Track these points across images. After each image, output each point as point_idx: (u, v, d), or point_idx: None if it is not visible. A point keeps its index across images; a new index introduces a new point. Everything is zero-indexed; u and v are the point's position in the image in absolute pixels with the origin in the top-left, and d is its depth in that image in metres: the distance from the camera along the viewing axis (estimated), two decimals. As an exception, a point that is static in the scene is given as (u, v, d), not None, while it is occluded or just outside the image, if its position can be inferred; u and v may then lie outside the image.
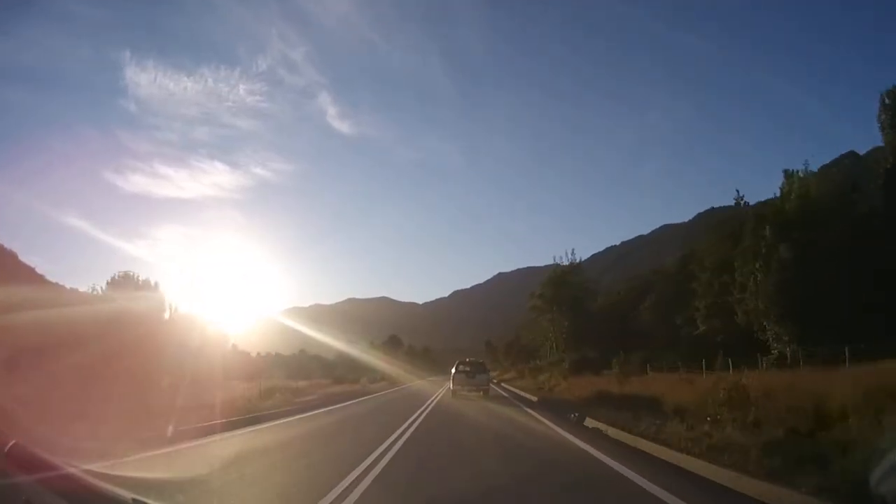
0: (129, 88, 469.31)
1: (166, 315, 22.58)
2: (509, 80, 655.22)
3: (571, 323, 50.97)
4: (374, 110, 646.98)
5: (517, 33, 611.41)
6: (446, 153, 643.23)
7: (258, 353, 57.32)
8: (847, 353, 18.79)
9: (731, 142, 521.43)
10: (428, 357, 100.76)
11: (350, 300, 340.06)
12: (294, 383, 29.48)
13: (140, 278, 24.45)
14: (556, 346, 53.85)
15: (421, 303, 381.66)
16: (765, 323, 27.92)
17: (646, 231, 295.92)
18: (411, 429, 12.21)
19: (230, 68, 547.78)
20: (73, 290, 22.28)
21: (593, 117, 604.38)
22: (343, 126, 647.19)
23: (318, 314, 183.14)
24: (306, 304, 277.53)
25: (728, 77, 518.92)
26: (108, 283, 23.92)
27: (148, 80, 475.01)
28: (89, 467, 3.69)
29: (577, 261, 54.91)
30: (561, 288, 52.43)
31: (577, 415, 13.67)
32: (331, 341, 52.08)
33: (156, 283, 24.68)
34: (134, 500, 2.59)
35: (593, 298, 55.25)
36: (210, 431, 11.32)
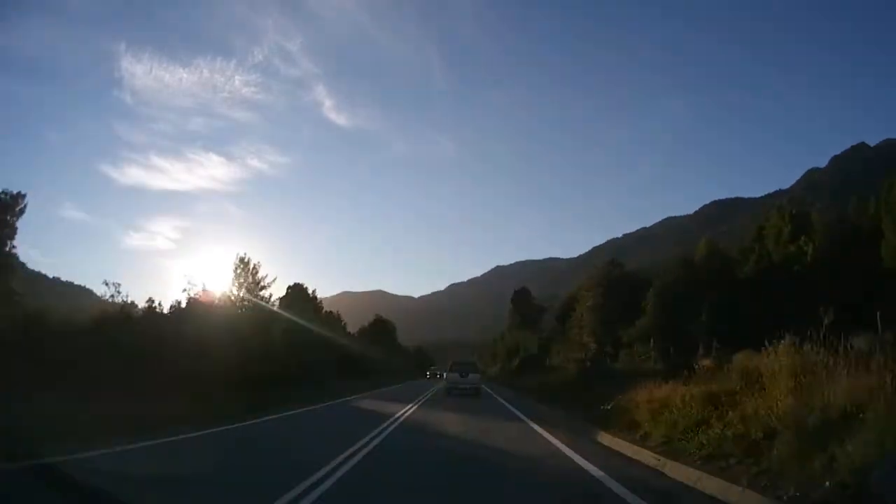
0: (125, 80, 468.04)
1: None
2: (508, 72, 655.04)
3: None
4: (370, 102, 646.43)
5: (515, 26, 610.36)
6: (443, 145, 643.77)
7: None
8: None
9: (734, 135, 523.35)
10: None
11: (345, 293, 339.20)
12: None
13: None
14: None
15: (416, 296, 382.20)
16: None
17: (648, 223, 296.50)
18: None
19: (226, 59, 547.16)
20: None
21: (595, 109, 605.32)
22: (339, 118, 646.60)
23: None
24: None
25: (731, 70, 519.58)
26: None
27: (144, 71, 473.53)
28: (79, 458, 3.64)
29: None
30: None
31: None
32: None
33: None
34: (128, 496, 2.56)
35: None
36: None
